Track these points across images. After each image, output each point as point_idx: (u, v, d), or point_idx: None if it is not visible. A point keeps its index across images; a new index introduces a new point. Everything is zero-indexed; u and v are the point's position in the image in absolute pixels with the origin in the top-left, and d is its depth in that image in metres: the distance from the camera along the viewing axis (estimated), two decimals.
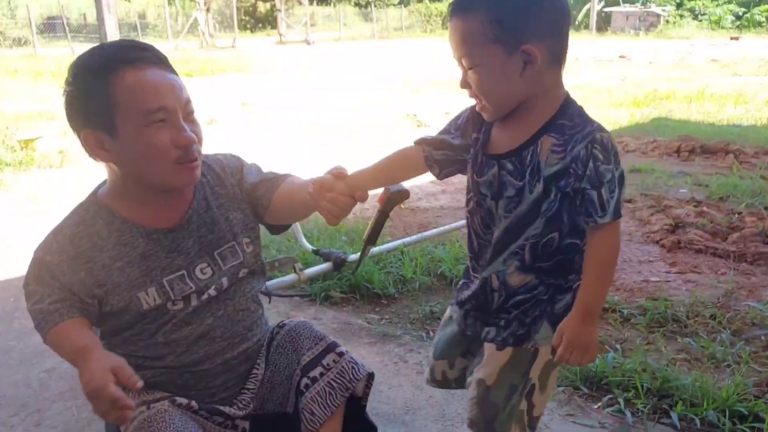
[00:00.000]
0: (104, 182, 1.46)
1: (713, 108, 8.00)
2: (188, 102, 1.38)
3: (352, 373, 1.54)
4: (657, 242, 3.38)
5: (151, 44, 1.43)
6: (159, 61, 1.36)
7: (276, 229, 1.65)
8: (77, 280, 1.34)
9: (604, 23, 29.51)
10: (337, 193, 1.33)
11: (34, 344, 2.35)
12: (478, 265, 1.34)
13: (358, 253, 2.79)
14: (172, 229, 1.44)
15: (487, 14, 1.15)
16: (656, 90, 9.39)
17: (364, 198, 1.35)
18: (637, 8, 29.67)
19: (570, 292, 1.28)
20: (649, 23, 28.39)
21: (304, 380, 1.52)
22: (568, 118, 1.20)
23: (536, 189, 1.20)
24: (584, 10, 30.35)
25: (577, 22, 30.66)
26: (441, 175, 1.39)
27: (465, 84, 1.23)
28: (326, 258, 2.88)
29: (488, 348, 1.33)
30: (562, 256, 1.25)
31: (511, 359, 1.31)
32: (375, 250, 3.02)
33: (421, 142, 1.37)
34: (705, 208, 3.81)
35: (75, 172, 4.98)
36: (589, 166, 1.15)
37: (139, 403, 1.35)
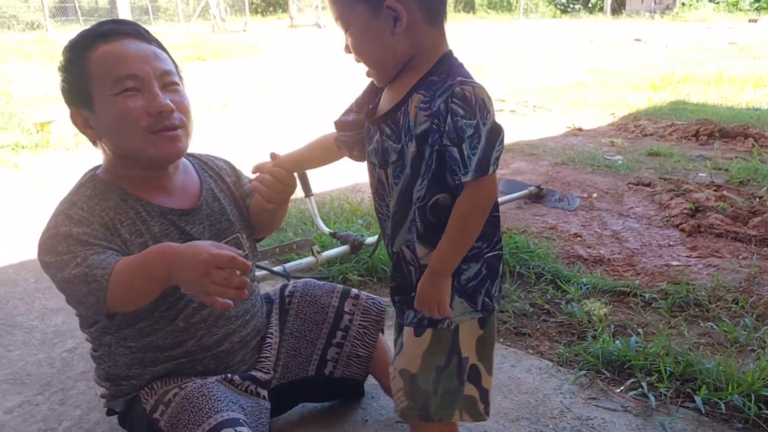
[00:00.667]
0: (99, 166, 1.46)
1: (732, 91, 7.88)
2: (168, 72, 1.36)
3: (376, 309, 1.67)
4: (677, 226, 3.34)
5: (133, 20, 1.43)
6: (135, 33, 1.36)
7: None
8: (119, 243, 1.30)
9: (619, 6, 29.09)
10: (264, 171, 1.39)
11: (55, 324, 2.37)
12: (389, 243, 1.29)
13: (375, 236, 2.78)
14: (186, 211, 1.43)
15: None
16: (673, 73, 9.25)
17: (283, 177, 1.39)
18: None
19: (478, 261, 1.22)
20: (664, 6, 27.97)
21: (339, 333, 1.62)
22: (438, 73, 1.14)
23: (411, 149, 1.15)
24: None
25: (590, 5, 30.25)
26: (354, 156, 1.36)
27: (347, 48, 1.20)
28: (343, 241, 2.87)
29: (406, 334, 1.29)
30: None
31: (431, 343, 1.26)
32: None
33: (335, 126, 1.34)
34: (725, 192, 3.76)
35: (90, 155, 4.99)
36: (448, 122, 1.09)
37: (171, 387, 1.35)
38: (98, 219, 1.31)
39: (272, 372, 1.54)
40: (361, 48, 1.17)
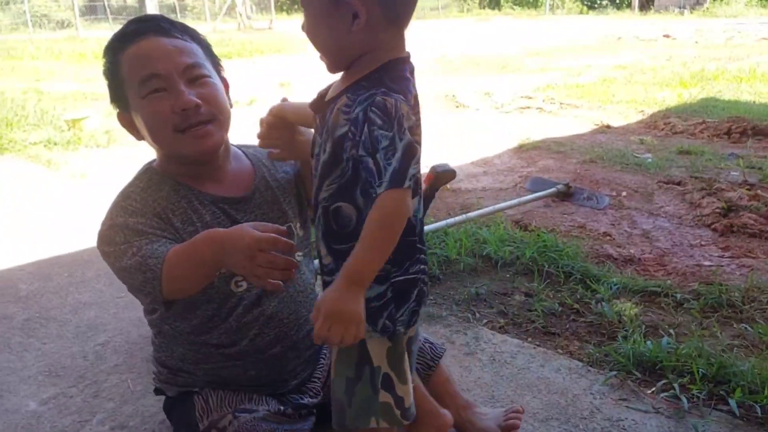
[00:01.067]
0: (155, 159, 1.48)
1: (765, 88, 7.70)
2: (192, 66, 1.34)
3: (430, 354, 1.63)
4: (708, 226, 3.28)
5: (161, 15, 1.42)
6: (158, 29, 1.35)
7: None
8: (171, 233, 1.32)
9: (647, 2, 28.61)
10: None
11: (89, 318, 2.42)
12: None
13: None
14: (238, 200, 1.44)
15: None
16: (703, 70, 9.08)
17: (269, 122, 1.40)
18: None
19: (383, 284, 1.16)
20: (694, 1, 27.44)
21: None
22: (370, 79, 1.10)
23: (326, 149, 1.14)
24: None
25: (618, 1, 29.83)
26: None
27: (303, 26, 1.17)
28: None
29: None
30: None
31: (339, 353, 1.24)
32: None
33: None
34: (759, 191, 3.69)
35: (121, 151, 5.07)
36: (365, 131, 1.05)
37: (225, 413, 1.37)
38: (151, 209, 1.33)
39: (321, 393, 1.54)
40: (313, 33, 1.15)
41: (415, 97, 1.13)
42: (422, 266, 1.22)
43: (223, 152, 1.44)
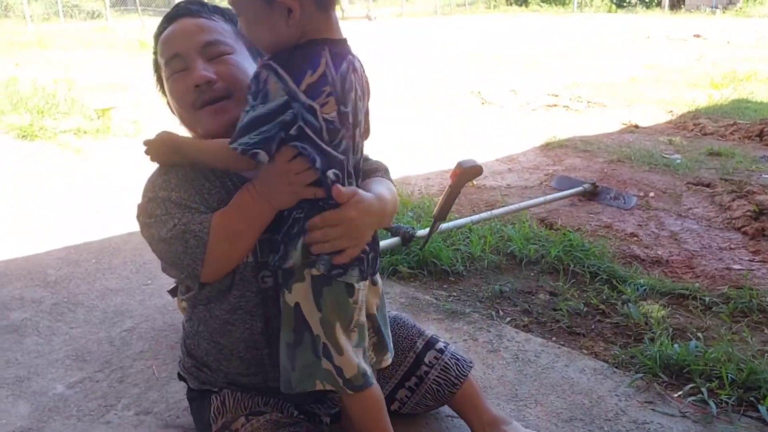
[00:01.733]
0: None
1: None
2: (212, 42, 1.33)
3: (456, 370, 1.59)
4: (738, 229, 3.22)
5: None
6: (186, 11, 1.37)
7: None
8: (212, 210, 1.31)
9: (678, 0, 28.10)
10: None
11: (115, 304, 2.45)
12: None
13: (427, 229, 2.77)
14: None
15: None
16: (735, 71, 8.89)
17: None
18: None
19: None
20: (727, 0, 26.88)
21: (414, 378, 1.59)
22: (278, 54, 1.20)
23: None
24: None
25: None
26: None
27: (241, 30, 1.26)
28: (394, 233, 2.86)
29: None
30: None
31: (282, 319, 1.30)
32: (443, 226, 2.99)
33: None
34: None
35: None
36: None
37: (239, 415, 1.39)
38: (194, 186, 1.32)
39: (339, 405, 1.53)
40: (256, 35, 1.22)
41: (329, 76, 1.19)
42: None
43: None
